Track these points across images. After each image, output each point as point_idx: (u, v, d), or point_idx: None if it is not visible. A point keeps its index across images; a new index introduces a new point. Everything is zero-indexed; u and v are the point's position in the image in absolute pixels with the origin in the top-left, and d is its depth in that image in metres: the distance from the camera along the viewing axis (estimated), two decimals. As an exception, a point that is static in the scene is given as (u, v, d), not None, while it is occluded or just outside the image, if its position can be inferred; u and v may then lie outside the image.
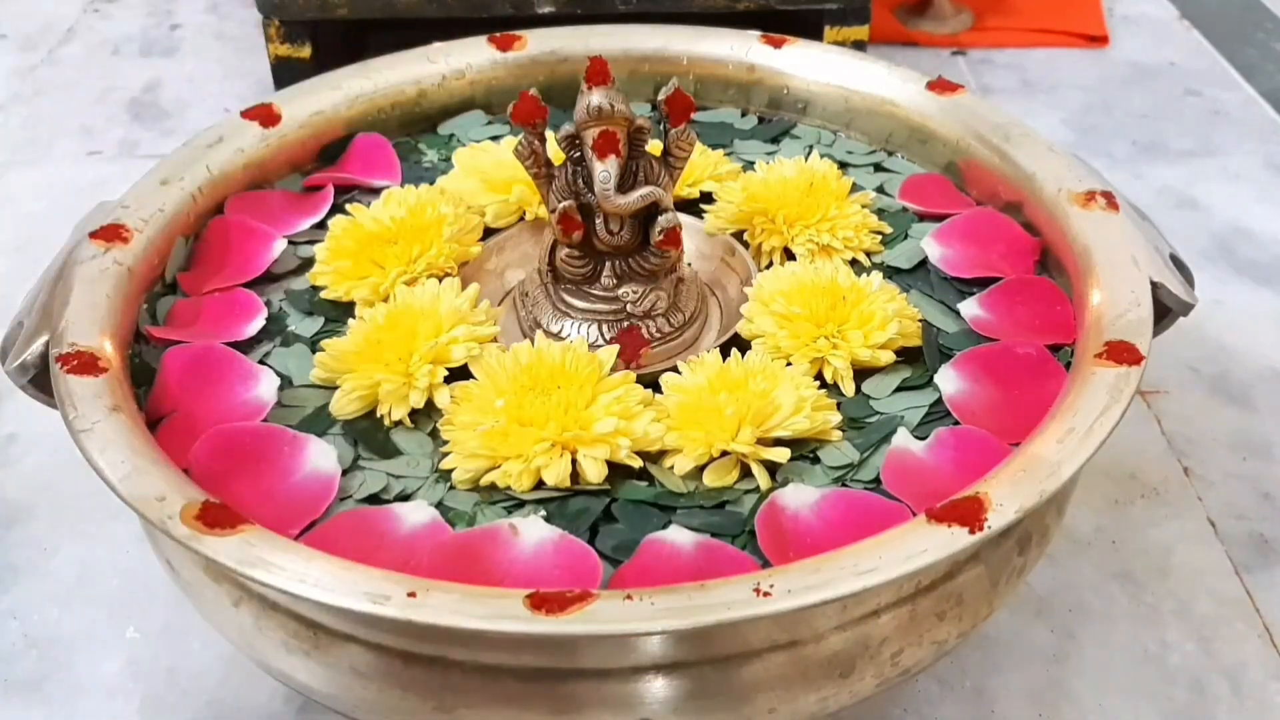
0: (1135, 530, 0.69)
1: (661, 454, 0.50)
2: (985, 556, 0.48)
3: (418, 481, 0.49)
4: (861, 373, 0.53)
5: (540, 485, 0.48)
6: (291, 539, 0.44)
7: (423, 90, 0.70)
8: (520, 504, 0.48)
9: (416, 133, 0.70)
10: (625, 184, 0.53)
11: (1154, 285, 0.53)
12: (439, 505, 0.48)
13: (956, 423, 0.51)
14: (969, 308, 0.57)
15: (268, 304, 0.57)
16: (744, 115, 0.71)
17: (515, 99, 0.53)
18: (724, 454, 0.49)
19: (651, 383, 0.52)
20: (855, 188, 0.63)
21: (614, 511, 0.48)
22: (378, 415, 0.51)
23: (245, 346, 0.55)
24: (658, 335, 0.55)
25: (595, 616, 0.39)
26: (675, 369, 0.52)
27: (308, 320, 0.57)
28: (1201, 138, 1.05)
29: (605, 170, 0.52)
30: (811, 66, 0.70)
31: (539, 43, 0.71)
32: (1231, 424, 0.75)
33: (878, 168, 0.67)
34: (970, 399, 0.52)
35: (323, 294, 0.58)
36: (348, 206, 0.61)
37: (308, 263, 0.60)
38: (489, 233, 0.62)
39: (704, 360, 0.52)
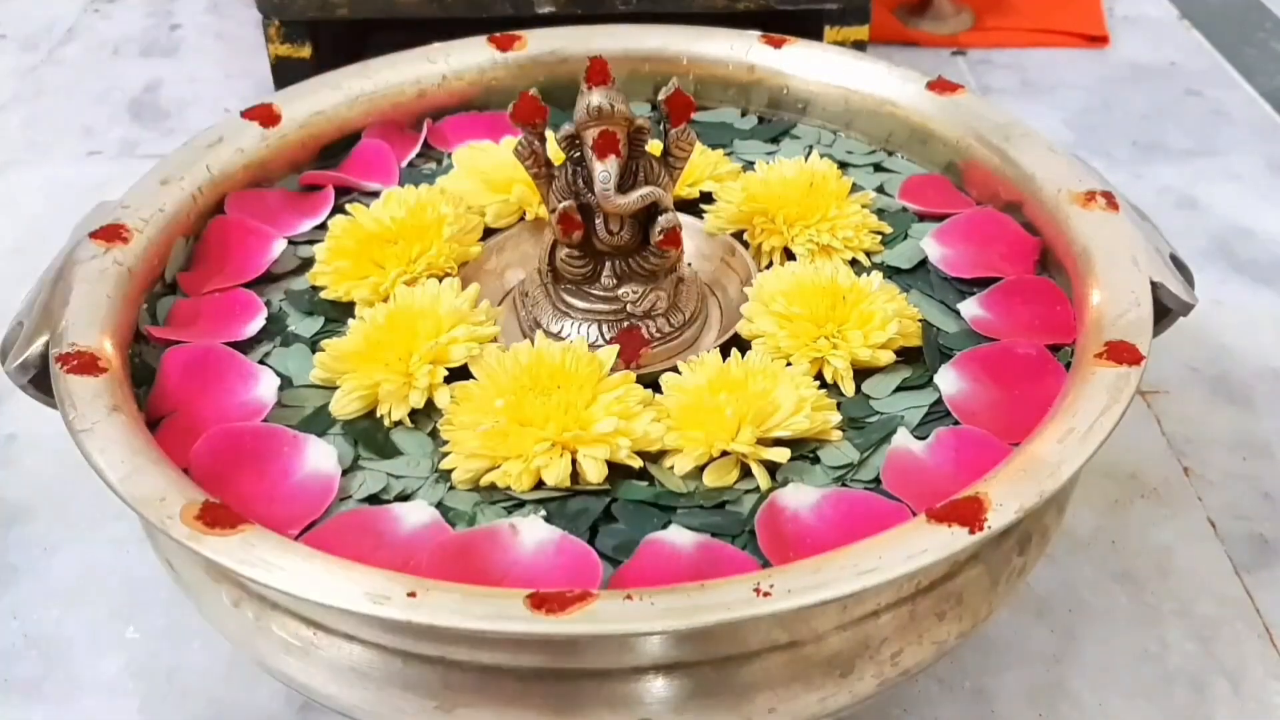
0: (1135, 530, 0.69)
1: (661, 454, 0.50)
2: (985, 556, 0.48)
3: (418, 481, 0.49)
4: (861, 373, 0.53)
5: (540, 485, 0.48)
6: (291, 539, 0.44)
7: (423, 90, 0.70)
8: (520, 504, 0.48)
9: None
10: (625, 184, 0.53)
11: (1154, 285, 0.53)
12: (439, 505, 0.48)
13: (956, 423, 0.51)
14: (969, 308, 0.57)
15: (268, 304, 0.57)
16: (744, 115, 0.71)
17: (515, 99, 0.53)
18: (724, 454, 0.49)
19: (651, 383, 0.52)
20: (855, 188, 0.63)
21: (614, 511, 0.48)
22: (378, 415, 0.51)
23: (245, 346, 0.55)
24: (658, 335, 0.55)
25: (595, 616, 0.39)
26: (675, 369, 0.52)
27: (308, 320, 0.57)
28: (1201, 138, 1.05)
29: (605, 170, 0.52)
30: (811, 66, 0.70)
31: (539, 43, 0.71)
32: (1231, 424, 0.75)
33: (878, 168, 0.67)
34: (970, 399, 0.52)
35: (323, 294, 0.58)
36: (348, 206, 0.61)
37: (308, 263, 0.60)
38: (489, 233, 0.62)
39: (704, 360, 0.52)
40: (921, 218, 0.63)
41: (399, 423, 0.51)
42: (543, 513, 0.47)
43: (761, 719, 0.45)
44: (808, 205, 0.60)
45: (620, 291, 0.55)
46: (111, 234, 0.56)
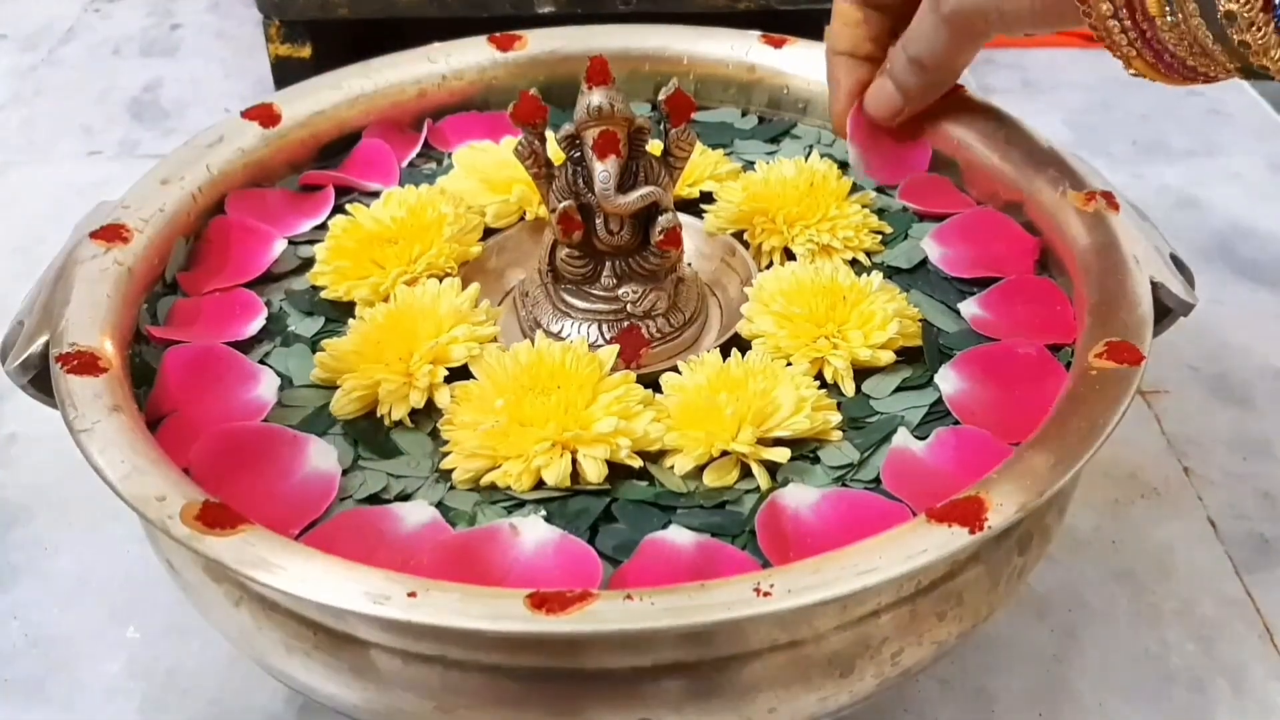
0: (1135, 530, 0.68)
1: (661, 454, 0.50)
2: (985, 556, 0.48)
3: (418, 481, 0.49)
4: (861, 373, 0.53)
5: (540, 485, 0.48)
6: (291, 539, 0.44)
7: (423, 90, 0.70)
8: (520, 504, 0.48)
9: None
10: (625, 184, 0.53)
11: (1154, 285, 0.53)
12: (439, 505, 0.48)
13: (957, 423, 0.51)
14: (969, 308, 0.57)
15: (268, 304, 0.57)
16: (744, 115, 0.71)
17: (515, 99, 0.53)
18: (724, 454, 0.49)
19: (651, 383, 0.52)
20: (855, 188, 0.63)
21: (614, 511, 0.48)
22: (378, 415, 0.51)
23: (245, 346, 0.55)
24: (658, 335, 0.55)
25: (595, 616, 0.39)
26: (675, 369, 0.52)
27: (308, 320, 0.57)
28: (1201, 138, 1.05)
29: (605, 170, 0.52)
30: (812, 66, 0.70)
31: (539, 43, 0.71)
32: (1231, 424, 0.75)
33: (878, 168, 0.67)
34: (970, 399, 0.52)
35: (323, 294, 0.58)
36: (348, 206, 0.61)
37: (308, 263, 0.60)
38: (489, 233, 0.62)
39: (704, 360, 0.52)
40: (921, 217, 0.63)
41: (399, 423, 0.51)
42: (543, 513, 0.47)
43: (761, 719, 0.45)
44: (808, 205, 0.60)
45: (620, 291, 0.55)
46: (111, 234, 0.56)
